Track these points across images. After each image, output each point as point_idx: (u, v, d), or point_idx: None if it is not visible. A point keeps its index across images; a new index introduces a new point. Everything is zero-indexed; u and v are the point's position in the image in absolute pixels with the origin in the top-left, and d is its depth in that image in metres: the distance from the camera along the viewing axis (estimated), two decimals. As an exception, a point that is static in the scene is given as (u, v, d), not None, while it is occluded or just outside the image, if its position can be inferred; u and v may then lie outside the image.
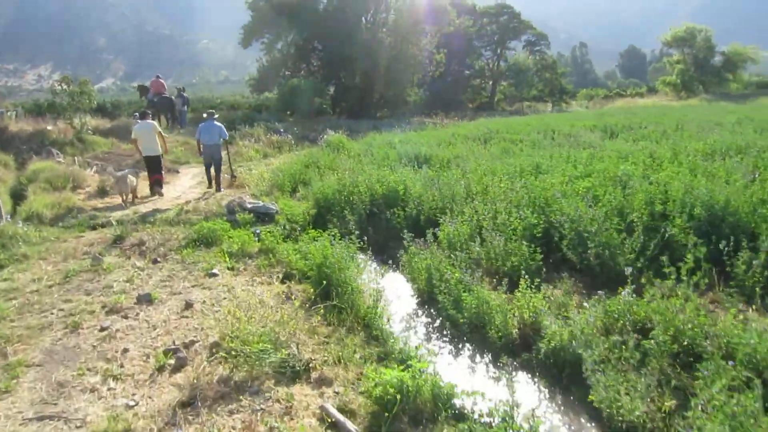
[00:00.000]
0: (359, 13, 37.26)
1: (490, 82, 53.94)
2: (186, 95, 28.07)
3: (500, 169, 10.54)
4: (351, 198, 10.36)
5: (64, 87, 21.77)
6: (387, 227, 9.35)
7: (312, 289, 6.53)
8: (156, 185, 13.54)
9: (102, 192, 14.10)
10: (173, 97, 26.33)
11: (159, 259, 8.09)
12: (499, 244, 6.88)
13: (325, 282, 6.37)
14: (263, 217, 10.56)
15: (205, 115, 14.07)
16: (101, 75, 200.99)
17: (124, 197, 12.57)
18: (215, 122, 13.64)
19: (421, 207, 9.13)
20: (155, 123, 14.05)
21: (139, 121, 13.66)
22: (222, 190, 13.77)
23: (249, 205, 10.73)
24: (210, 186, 14.02)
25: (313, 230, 9.20)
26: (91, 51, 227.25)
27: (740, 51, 50.45)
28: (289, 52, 38.86)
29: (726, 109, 32.31)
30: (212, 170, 13.81)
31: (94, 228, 10.73)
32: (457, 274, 6.17)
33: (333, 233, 7.72)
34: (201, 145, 13.45)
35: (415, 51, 38.81)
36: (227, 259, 7.94)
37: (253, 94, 42.28)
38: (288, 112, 32.50)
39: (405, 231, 7.99)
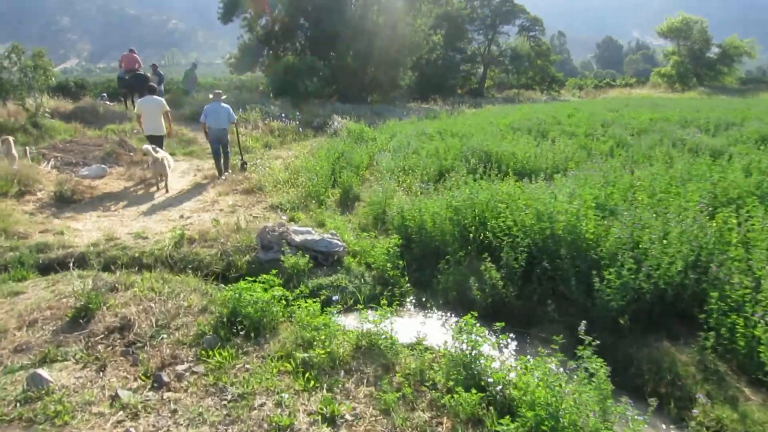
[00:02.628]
0: (348, -13, 32.90)
1: (481, 68, 50.08)
2: (161, 73, 23.39)
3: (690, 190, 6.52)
4: (483, 236, 6.20)
5: (14, 59, 16.73)
6: (574, 297, 5.16)
7: None
8: None
9: (62, 199, 9.71)
10: (149, 75, 21.47)
11: (165, 377, 3.90)
12: None
13: None
14: (323, 258, 6.41)
15: (211, 96, 11.77)
16: (65, 55, 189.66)
17: (162, 184, 10.68)
18: (222, 104, 11.25)
19: (642, 265, 4.83)
20: (163, 100, 11.75)
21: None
22: (229, 171, 11.55)
23: (298, 239, 6.46)
24: (220, 176, 11.45)
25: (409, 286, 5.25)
26: (54, 31, 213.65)
27: (737, 44, 47.69)
28: (273, 30, 34.21)
29: (742, 102, 29.47)
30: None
31: (44, 270, 6.48)
32: None
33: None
34: (207, 129, 11.20)
35: (410, 31, 34.70)
36: (311, 383, 3.82)
37: (233, 74, 38.03)
38: (272, 95, 28.29)
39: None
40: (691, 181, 7.15)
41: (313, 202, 9.11)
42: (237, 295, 4.66)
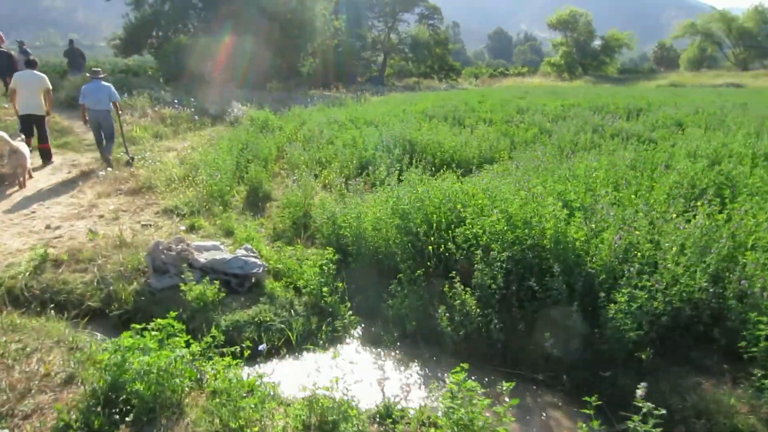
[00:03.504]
0: (244, -34, 30.54)
1: (381, 56, 49.34)
2: (29, 51, 20.24)
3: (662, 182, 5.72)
4: (444, 248, 4.92)
5: None
6: (575, 326, 3.98)
7: None
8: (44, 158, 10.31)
9: None
10: (14, 54, 18.25)
11: None
12: None
13: None
14: (238, 283, 4.95)
15: (88, 75, 10.54)
16: None
17: (21, 179, 8.60)
18: (102, 82, 9.95)
19: (653, 281, 3.86)
20: (44, 76, 10.14)
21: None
22: (112, 166, 9.84)
23: (203, 258, 4.97)
24: (107, 165, 9.91)
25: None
26: None
27: (618, 36, 51.10)
28: (163, 9, 31.11)
29: (628, 90, 31.05)
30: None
31: None
32: None
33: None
34: (86, 111, 9.88)
35: (310, 15, 33.04)
36: None
37: (118, 56, 34.47)
38: (162, 80, 25.59)
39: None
40: (646, 170, 6.52)
41: (217, 203, 7.53)
42: (119, 358, 3.17)
